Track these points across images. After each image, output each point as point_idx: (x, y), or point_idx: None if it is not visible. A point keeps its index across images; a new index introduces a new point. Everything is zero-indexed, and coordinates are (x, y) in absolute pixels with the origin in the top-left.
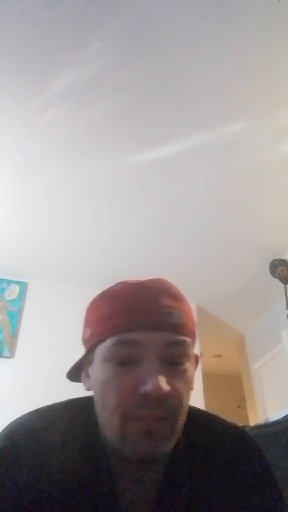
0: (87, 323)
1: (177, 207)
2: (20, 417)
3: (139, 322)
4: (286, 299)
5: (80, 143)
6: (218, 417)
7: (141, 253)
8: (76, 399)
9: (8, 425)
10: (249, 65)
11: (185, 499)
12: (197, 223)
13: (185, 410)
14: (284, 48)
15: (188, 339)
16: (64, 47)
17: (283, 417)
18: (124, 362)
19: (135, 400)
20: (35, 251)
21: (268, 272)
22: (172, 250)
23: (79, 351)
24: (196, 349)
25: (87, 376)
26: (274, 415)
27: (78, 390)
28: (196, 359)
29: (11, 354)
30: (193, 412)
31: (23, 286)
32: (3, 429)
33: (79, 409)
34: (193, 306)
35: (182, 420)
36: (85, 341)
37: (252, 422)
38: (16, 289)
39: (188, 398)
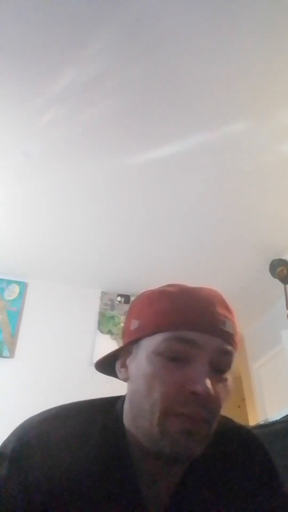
0: (137, 315)
1: (177, 207)
2: (33, 416)
3: (197, 323)
4: (286, 299)
5: (80, 143)
6: (224, 417)
7: (141, 253)
8: (93, 399)
9: (20, 425)
10: (249, 65)
11: (201, 502)
12: (197, 223)
13: (219, 417)
14: (284, 48)
15: (235, 352)
16: (64, 47)
17: (283, 417)
18: (175, 358)
19: (181, 397)
20: (35, 251)
21: (268, 272)
22: (172, 250)
23: (80, 351)
24: None
25: (123, 366)
26: (274, 415)
27: (78, 390)
28: (233, 374)
29: (11, 354)
30: None
31: (23, 286)
32: (15, 430)
33: (97, 409)
34: None
35: (215, 425)
36: (130, 333)
37: (252, 422)
38: (16, 289)
39: (224, 405)
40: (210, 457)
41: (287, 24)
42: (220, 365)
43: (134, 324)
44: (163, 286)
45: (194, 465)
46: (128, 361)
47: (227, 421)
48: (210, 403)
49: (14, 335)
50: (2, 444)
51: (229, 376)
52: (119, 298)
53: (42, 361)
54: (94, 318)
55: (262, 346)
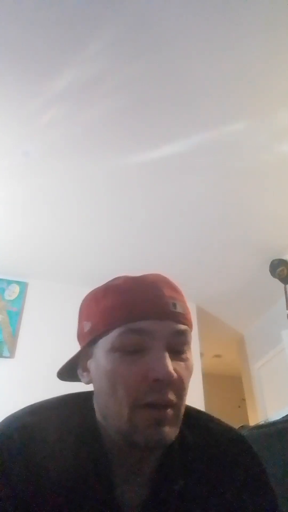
0: (87, 316)
1: (177, 207)
2: (13, 413)
3: (146, 312)
4: (286, 299)
5: (80, 143)
6: (214, 418)
7: (141, 253)
8: (70, 394)
9: (1, 421)
10: (249, 65)
11: (178, 494)
12: (197, 223)
13: (186, 397)
14: (284, 48)
15: (189, 329)
16: (64, 47)
17: (283, 417)
18: (132, 351)
19: (146, 387)
20: (35, 251)
21: (268, 272)
22: (172, 250)
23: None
24: (196, 349)
25: (85, 370)
26: (274, 415)
27: (78, 390)
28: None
29: (11, 354)
30: (190, 412)
31: (23, 286)
32: None
33: (73, 404)
34: (193, 306)
35: (184, 407)
36: (84, 335)
37: (252, 422)
38: (16, 289)
39: (188, 385)
40: (193, 453)
41: (287, 24)
42: (177, 346)
43: (86, 326)
44: (108, 281)
45: (170, 457)
46: (88, 364)
47: (216, 421)
48: (174, 385)
49: (14, 335)
50: None
51: (189, 355)
52: None
53: (42, 361)
54: None
55: (262, 346)
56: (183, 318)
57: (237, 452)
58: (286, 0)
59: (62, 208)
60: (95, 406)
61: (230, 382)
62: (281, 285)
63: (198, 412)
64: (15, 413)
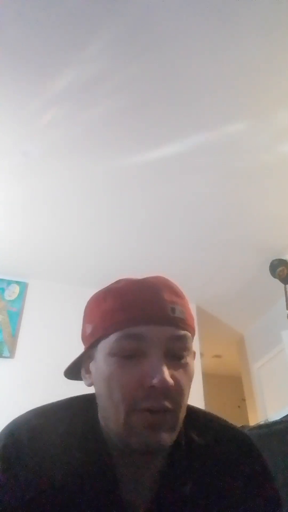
0: (89, 319)
1: (177, 207)
2: (20, 415)
3: (144, 317)
4: (286, 299)
5: (80, 143)
6: (218, 417)
7: (141, 253)
8: (75, 397)
9: (9, 423)
10: (249, 65)
11: (184, 495)
12: (197, 223)
13: (186, 402)
14: (284, 48)
15: (189, 334)
16: (64, 47)
17: (283, 417)
18: (129, 356)
19: (142, 393)
20: (35, 251)
21: (268, 272)
22: (172, 250)
23: (79, 351)
24: (196, 349)
25: (88, 372)
26: (274, 415)
27: (78, 390)
28: (194, 354)
29: (11, 354)
30: (194, 412)
31: (23, 286)
32: (4, 428)
33: (79, 407)
34: (193, 306)
35: (183, 413)
36: (86, 338)
37: (252, 422)
38: (16, 289)
39: (189, 391)
40: (199, 454)
41: (287, 24)
42: (176, 352)
43: (88, 328)
44: (110, 284)
45: (177, 459)
46: (90, 366)
47: (220, 421)
48: (170, 392)
49: (14, 335)
50: None
51: (189, 360)
52: None
53: (42, 361)
54: None
55: (262, 346)
56: (182, 323)
57: (245, 454)
58: (286, 0)
59: (62, 208)
60: (98, 408)
61: (230, 382)
62: (281, 285)
63: (205, 413)
64: (22, 415)
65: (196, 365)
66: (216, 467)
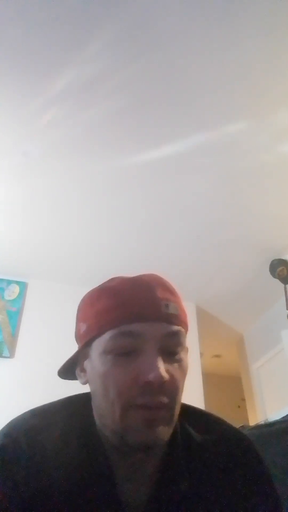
0: (83, 318)
1: (177, 207)
2: (18, 416)
3: (138, 314)
4: (286, 299)
5: (80, 143)
6: (216, 417)
7: (141, 253)
8: (72, 396)
9: (7, 424)
10: (249, 65)
11: (182, 494)
12: (197, 223)
13: (181, 398)
14: (284, 48)
15: (183, 330)
16: (64, 47)
17: (283, 417)
18: (124, 353)
19: (137, 389)
20: (35, 251)
21: (268, 272)
22: (172, 250)
23: None
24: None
25: (82, 370)
26: (274, 415)
27: (78, 390)
28: (187, 350)
29: (11, 354)
30: (192, 411)
31: (23, 286)
32: (1, 429)
33: (75, 406)
34: (193, 306)
35: (178, 408)
36: (80, 337)
37: (252, 422)
38: (16, 289)
39: (183, 386)
40: (197, 453)
41: (287, 24)
42: (170, 348)
43: (82, 327)
44: (104, 282)
45: (174, 458)
46: (85, 365)
47: (220, 421)
48: (166, 388)
49: (14, 335)
50: None
51: (183, 355)
52: None
53: (42, 361)
54: None
55: (262, 346)
56: (176, 319)
57: (243, 454)
58: (286, 0)
59: (62, 208)
60: (93, 407)
61: (230, 382)
62: (281, 285)
63: (203, 413)
64: (19, 416)
65: (196, 365)
66: (213, 466)
